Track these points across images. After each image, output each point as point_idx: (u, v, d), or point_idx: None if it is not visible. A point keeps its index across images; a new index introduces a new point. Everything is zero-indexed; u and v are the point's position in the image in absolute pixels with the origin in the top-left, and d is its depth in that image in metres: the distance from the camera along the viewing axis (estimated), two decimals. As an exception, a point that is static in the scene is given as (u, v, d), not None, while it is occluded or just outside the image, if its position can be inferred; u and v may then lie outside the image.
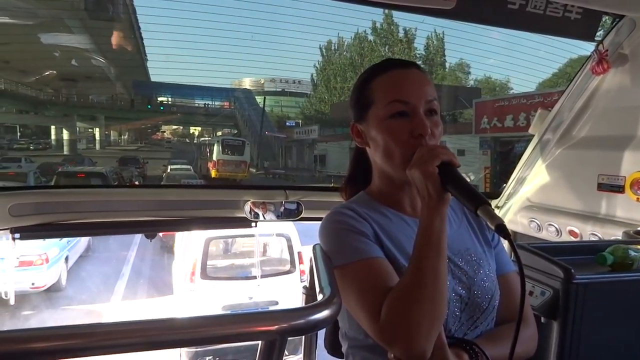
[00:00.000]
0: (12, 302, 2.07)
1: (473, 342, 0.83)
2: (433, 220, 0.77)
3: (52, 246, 7.49)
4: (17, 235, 1.76)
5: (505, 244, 1.09)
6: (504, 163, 13.39)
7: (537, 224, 2.07)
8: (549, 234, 2.01)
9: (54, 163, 18.05)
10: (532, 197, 2.17)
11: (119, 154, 24.22)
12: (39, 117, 27.39)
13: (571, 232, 1.89)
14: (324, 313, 0.58)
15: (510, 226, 2.24)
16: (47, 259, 7.19)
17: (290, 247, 6.00)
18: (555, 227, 1.97)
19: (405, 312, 0.74)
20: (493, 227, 0.70)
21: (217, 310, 5.21)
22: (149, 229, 2.13)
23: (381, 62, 0.93)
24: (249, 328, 0.54)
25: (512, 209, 2.25)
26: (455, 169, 0.78)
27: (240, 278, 5.88)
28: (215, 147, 18.24)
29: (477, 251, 0.93)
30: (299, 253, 5.97)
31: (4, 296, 2.04)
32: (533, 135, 2.12)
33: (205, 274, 5.68)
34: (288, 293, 5.60)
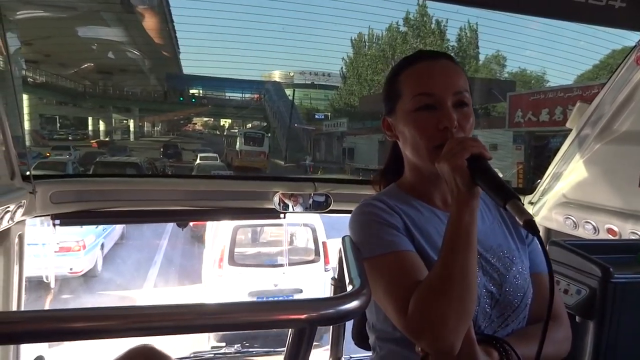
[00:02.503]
0: (52, 285, 2.16)
1: (503, 339, 0.81)
2: (462, 215, 0.76)
3: (88, 233, 7.80)
4: (57, 222, 1.83)
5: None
6: (538, 158, 12.99)
7: (573, 221, 2.01)
8: (585, 232, 1.94)
9: (95, 152, 18.85)
10: (568, 194, 2.10)
11: (152, 144, 24.98)
12: (77, 108, 28.35)
13: (609, 231, 1.82)
14: (354, 304, 0.58)
15: (544, 223, 2.17)
16: (84, 246, 7.50)
17: (315, 237, 6.17)
18: (593, 225, 1.90)
19: (432, 306, 0.73)
20: (521, 223, 0.68)
21: (243, 296, 5.51)
22: (181, 218, 2.18)
23: (412, 54, 0.92)
24: (280, 316, 0.55)
25: (547, 205, 2.19)
26: (486, 162, 0.76)
27: (266, 265, 6.09)
28: (238, 139, 19.83)
29: (510, 248, 0.91)
30: (324, 243, 6.12)
31: (45, 279, 2.14)
32: (570, 130, 2.05)
33: (232, 261, 5.90)
34: (312, 282, 5.78)
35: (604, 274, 1.00)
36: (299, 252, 6.35)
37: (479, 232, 0.80)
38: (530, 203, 2.26)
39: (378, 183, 1.04)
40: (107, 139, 26.62)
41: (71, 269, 7.27)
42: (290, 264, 5.93)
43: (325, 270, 6.00)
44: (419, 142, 0.86)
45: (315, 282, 5.80)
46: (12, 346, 1.67)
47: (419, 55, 0.91)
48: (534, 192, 2.27)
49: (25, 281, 1.77)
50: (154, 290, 7.57)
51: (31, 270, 1.81)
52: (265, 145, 19.71)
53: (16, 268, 1.66)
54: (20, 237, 1.70)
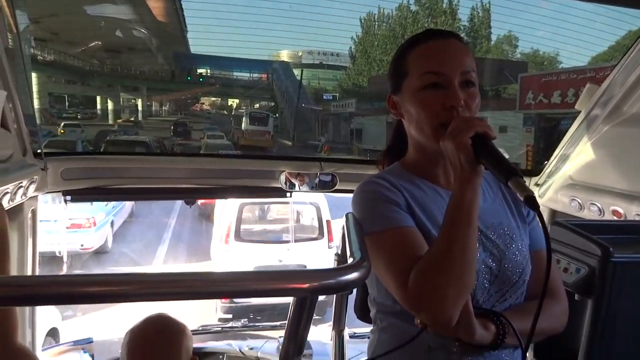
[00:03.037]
0: (65, 259, 2.23)
1: (500, 313, 0.84)
2: (465, 192, 0.77)
3: (98, 211, 7.93)
4: (68, 198, 1.88)
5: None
6: (548, 140, 12.86)
7: (579, 202, 2.01)
8: (590, 214, 1.95)
9: (106, 131, 19.04)
10: (574, 175, 2.10)
11: (161, 124, 25.14)
12: (85, 87, 28.39)
13: (614, 212, 1.82)
14: (353, 275, 0.60)
15: (550, 205, 2.18)
16: (95, 223, 7.68)
17: (319, 216, 6.36)
18: (598, 207, 1.91)
19: (432, 280, 0.75)
20: (522, 199, 0.70)
21: (249, 269, 5.46)
22: (189, 195, 2.22)
23: (420, 33, 0.93)
24: (284, 285, 0.58)
25: (553, 187, 2.19)
26: (490, 140, 0.78)
27: (271, 242, 6.31)
28: (244, 119, 20.54)
29: (511, 226, 0.93)
30: (328, 221, 6.31)
31: (57, 254, 2.20)
32: (579, 112, 2.04)
33: (239, 237, 6.13)
34: (315, 258, 5.97)
35: (603, 254, 1.02)
36: (303, 230, 6.52)
37: (480, 210, 0.82)
38: (537, 185, 2.26)
39: (382, 163, 1.05)
40: (131, 119, 26.86)
41: (82, 246, 7.46)
42: (295, 241, 6.11)
43: (328, 248, 6.17)
44: (424, 120, 0.87)
45: (318, 259, 5.97)
46: (27, 317, 1.73)
47: (427, 34, 0.91)
48: (541, 174, 2.27)
49: (39, 256, 1.82)
50: (163, 267, 7.72)
51: (44, 245, 1.86)
52: (270, 125, 20.27)
53: (30, 241, 1.71)
54: (33, 212, 1.74)
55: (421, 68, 0.88)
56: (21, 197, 1.54)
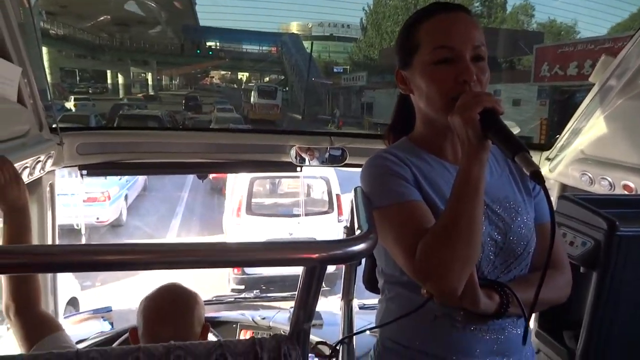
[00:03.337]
0: (83, 231, 2.30)
1: (505, 284, 0.86)
2: (472, 167, 0.78)
3: (112, 185, 8.08)
4: (84, 172, 1.92)
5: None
6: (562, 113, 12.61)
7: (590, 177, 2.00)
8: (601, 188, 1.94)
9: (121, 105, 19.36)
10: (586, 150, 2.08)
11: (172, 98, 25.21)
12: (95, 61, 28.36)
13: (625, 187, 1.81)
14: (361, 246, 0.63)
15: (560, 179, 2.17)
16: (109, 196, 7.83)
17: (329, 190, 6.43)
18: (609, 181, 1.90)
19: (438, 252, 0.78)
20: (528, 173, 0.71)
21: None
22: (201, 170, 2.25)
23: (427, 6, 0.92)
24: (294, 255, 0.61)
25: (564, 162, 2.18)
26: (498, 116, 0.78)
27: (281, 215, 6.40)
28: (253, 93, 20.86)
29: (517, 199, 0.94)
30: (337, 195, 6.39)
31: (75, 227, 2.27)
32: (593, 85, 2.00)
33: (250, 210, 6.24)
34: (325, 231, 6.06)
35: (609, 227, 1.03)
36: (313, 204, 6.60)
37: (486, 184, 0.83)
38: (547, 159, 2.25)
39: (388, 138, 1.06)
40: (152, 93, 27.08)
41: (98, 219, 7.63)
42: (305, 215, 6.20)
43: (338, 221, 6.27)
44: (435, 94, 0.88)
45: (328, 232, 6.06)
46: (49, 286, 1.81)
47: (436, 7, 0.90)
48: (552, 148, 2.25)
49: (58, 228, 1.88)
50: (176, 240, 7.87)
51: (62, 218, 1.92)
52: (278, 98, 20.58)
53: (49, 214, 1.76)
54: (51, 186, 1.79)
55: (432, 43, 0.87)
56: (39, 171, 1.58)
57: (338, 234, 6.30)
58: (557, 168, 2.19)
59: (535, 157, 2.22)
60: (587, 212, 1.10)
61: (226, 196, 7.49)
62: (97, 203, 7.57)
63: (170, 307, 1.14)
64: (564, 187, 2.17)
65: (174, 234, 8.14)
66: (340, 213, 6.29)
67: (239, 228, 6.19)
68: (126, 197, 8.78)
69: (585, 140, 2.09)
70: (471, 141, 0.78)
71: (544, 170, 2.18)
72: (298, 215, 6.27)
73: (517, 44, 16.25)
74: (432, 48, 0.87)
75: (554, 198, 1.84)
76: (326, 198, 6.50)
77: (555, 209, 1.15)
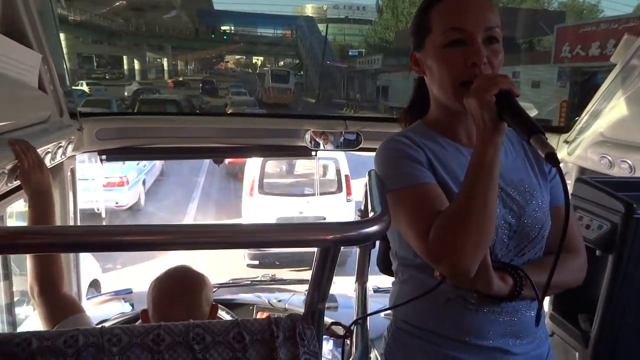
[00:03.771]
0: (103, 215, 2.36)
1: (518, 267, 0.86)
2: (487, 149, 0.78)
3: (130, 169, 8.21)
4: (103, 157, 1.96)
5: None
6: (582, 95, 12.28)
7: (609, 160, 1.96)
8: (621, 171, 1.90)
9: (142, 89, 20.02)
10: (606, 132, 2.04)
11: (188, 83, 25.46)
12: (111, 47, 28.55)
13: (646, 170, 1.78)
14: (374, 228, 0.64)
15: (579, 162, 2.14)
16: (128, 181, 7.96)
17: (337, 171, 6.74)
18: (629, 164, 1.86)
19: (451, 234, 0.78)
20: (543, 155, 0.71)
21: (272, 221, 6.06)
22: (217, 155, 2.29)
23: None
24: (309, 236, 0.62)
25: (583, 144, 2.14)
26: (513, 98, 0.78)
27: (292, 195, 6.79)
28: (266, 77, 21.23)
29: (532, 183, 0.93)
30: (346, 176, 6.70)
31: (96, 210, 2.33)
32: (615, 65, 1.95)
33: (262, 190, 6.61)
34: (334, 210, 6.41)
35: (627, 210, 1.02)
36: (322, 184, 6.84)
37: (502, 167, 0.83)
38: (566, 142, 2.21)
39: (404, 120, 1.06)
40: (181, 79, 27.50)
41: (117, 203, 7.78)
42: (311, 195, 6.57)
43: (347, 201, 6.60)
44: (445, 78, 0.87)
45: (337, 211, 6.40)
46: (72, 268, 1.87)
47: None
48: (571, 131, 2.22)
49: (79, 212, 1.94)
50: (194, 223, 8.00)
51: (82, 203, 1.97)
52: (291, 82, 21.00)
53: (71, 197, 1.81)
54: (72, 171, 1.84)
55: (444, 24, 0.87)
56: (61, 156, 1.62)
57: (346, 213, 6.49)
58: (576, 151, 2.15)
59: (554, 139, 2.18)
60: (604, 195, 1.09)
61: (244, 178, 7.75)
62: (116, 188, 7.68)
63: (179, 289, 1.17)
64: (582, 171, 2.14)
65: (191, 218, 8.28)
66: (349, 193, 6.59)
67: (251, 206, 6.58)
68: (144, 182, 8.91)
69: (605, 123, 2.04)
70: (486, 124, 0.78)
71: (562, 153, 2.14)
72: (308, 195, 6.58)
73: (537, 23, 15.79)
74: (443, 30, 0.87)
75: (572, 181, 1.82)
76: (335, 178, 6.78)
77: (572, 192, 1.14)
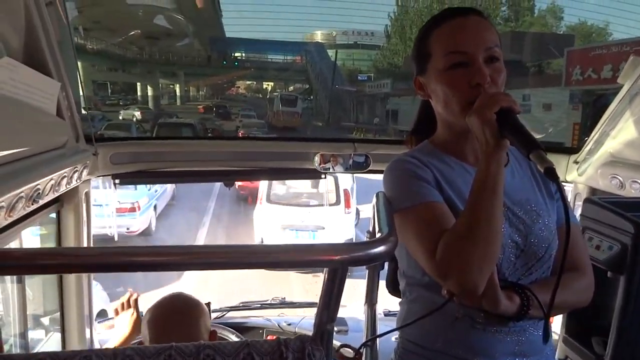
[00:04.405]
0: (116, 238, 2.39)
1: (525, 286, 0.86)
2: (489, 166, 0.80)
3: (142, 195, 8.28)
4: (117, 181, 2.01)
5: (569, 198, 1.06)
6: (595, 117, 12.15)
7: (620, 180, 1.95)
8: (632, 192, 1.89)
9: (160, 114, 21.75)
10: (616, 153, 2.03)
11: (192, 112, 26.15)
12: (126, 74, 29.24)
13: (657, 190, 1.77)
14: (381, 248, 0.65)
15: (589, 183, 2.13)
16: (139, 207, 8.04)
17: (337, 185, 7.47)
18: (640, 185, 1.85)
19: (458, 250, 0.79)
20: (542, 170, 0.72)
21: (278, 228, 7.35)
22: (228, 178, 2.32)
23: (439, 13, 0.94)
24: (318, 257, 0.63)
25: (593, 165, 2.13)
26: (514, 115, 0.79)
27: (295, 205, 7.65)
28: (275, 101, 22.49)
29: (538, 202, 0.94)
30: (345, 190, 7.49)
31: (109, 234, 2.36)
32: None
33: (269, 199, 7.49)
34: (333, 221, 7.24)
35: (636, 230, 1.02)
36: (323, 197, 7.69)
37: (508, 186, 0.84)
38: (576, 162, 2.21)
39: (410, 142, 1.08)
40: (211, 104, 28.39)
41: (128, 229, 7.83)
42: (316, 205, 7.44)
43: (345, 213, 7.45)
44: (451, 99, 0.89)
45: (335, 222, 7.23)
46: (85, 292, 1.88)
47: (447, 13, 0.92)
48: (580, 152, 2.21)
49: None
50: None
51: (95, 229, 2.01)
52: (298, 106, 22.05)
53: (85, 219, 1.85)
54: (87, 194, 1.88)
55: (444, 48, 0.89)
56: (76, 180, 1.66)
57: (344, 224, 7.18)
58: (587, 171, 2.15)
59: (564, 161, 2.19)
60: (613, 216, 1.09)
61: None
62: (127, 214, 7.78)
63: (176, 317, 1.16)
64: (593, 192, 2.12)
65: (203, 236, 8.50)
66: (347, 206, 7.47)
67: (261, 213, 7.68)
68: (155, 207, 9.00)
69: (614, 143, 2.04)
70: (488, 141, 0.80)
71: (573, 174, 2.14)
72: (310, 205, 7.55)
73: (547, 47, 15.83)
74: (444, 54, 0.89)
75: (569, 198, 1.81)
76: (334, 192, 7.51)
77: (581, 212, 1.14)
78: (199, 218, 9.56)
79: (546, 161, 0.72)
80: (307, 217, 7.28)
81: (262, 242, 7.28)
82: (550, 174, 0.72)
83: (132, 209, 7.89)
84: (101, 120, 16.30)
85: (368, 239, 1.03)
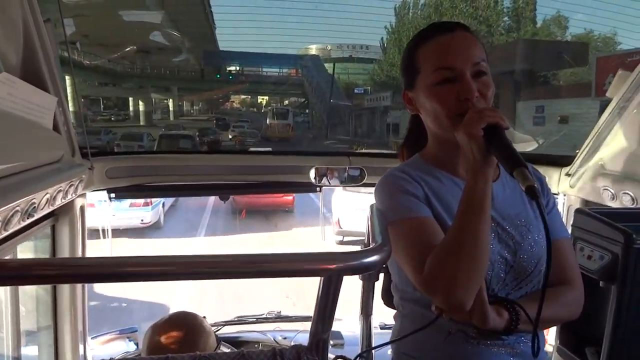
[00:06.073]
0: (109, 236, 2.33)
1: (514, 301, 0.86)
2: (477, 182, 0.81)
3: (153, 192, 9.23)
4: (112, 195, 2.01)
5: (562, 210, 1.07)
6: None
7: (611, 192, 1.98)
8: (624, 203, 1.91)
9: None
10: (607, 164, 2.06)
11: (193, 123, 26.18)
12: (118, 89, 29.22)
13: (648, 201, 1.79)
14: (375, 257, 0.66)
15: (581, 195, 2.15)
16: (151, 202, 9.53)
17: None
18: (631, 196, 1.87)
19: (445, 265, 0.79)
20: (523, 188, 0.73)
21: (352, 208, 8.19)
22: (223, 191, 2.32)
23: (425, 28, 0.95)
24: (312, 266, 0.64)
25: (584, 177, 2.16)
26: (501, 131, 0.80)
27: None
28: (269, 114, 23.89)
29: (528, 217, 0.95)
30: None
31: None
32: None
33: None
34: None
35: (626, 240, 1.03)
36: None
37: (498, 201, 0.85)
38: (567, 175, 2.23)
39: (402, 155, 1.10)
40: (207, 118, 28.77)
41: (142, 221, 9.40)
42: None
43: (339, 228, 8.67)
44: (440, 113, 0.90)
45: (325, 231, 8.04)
46: (79, 304, 1.87)
47: (433, 29, 0.93)
48: (572, 164, 2.24)
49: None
50: (204, 239, 9.64)
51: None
52: (289, 118, 23.47)
53: (80, 233, 1.85)
54: (82, 208, 1.88)
55: (432, 64, 0.90)
56: (72, 194, 1.67)
57: (328, 231, 8.43)
58: (578, 183, 2.17)
59: (556, 172, 2.21)
60: (603, 226, 1.10)
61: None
62: (142, 207, 9.31)
63: (175, 336, 1.16)
64: (585, 203, 2.15)
65: (203, 231, 10.00)
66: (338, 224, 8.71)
67: (338, 197, 8.82)
68: (163, 204, 10.33)
69: (605, 155, 2.07)
70: (476, 157, 0.80)
71: (564, 186, 2.17)
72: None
73: (561, 56, 15.10)
74: (432, 70, 0.90)
75: (562, 212, 1.82)
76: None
77: (572, 223, 1.16)
78: (199, 215, 10.97)
79: (528, 179, 0.73)
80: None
81: (339, 221, 8.72)
82: (531, 192, 0.72)
83: (147, 204, 9.33)
84: (107, 134, 17.61)
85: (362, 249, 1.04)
